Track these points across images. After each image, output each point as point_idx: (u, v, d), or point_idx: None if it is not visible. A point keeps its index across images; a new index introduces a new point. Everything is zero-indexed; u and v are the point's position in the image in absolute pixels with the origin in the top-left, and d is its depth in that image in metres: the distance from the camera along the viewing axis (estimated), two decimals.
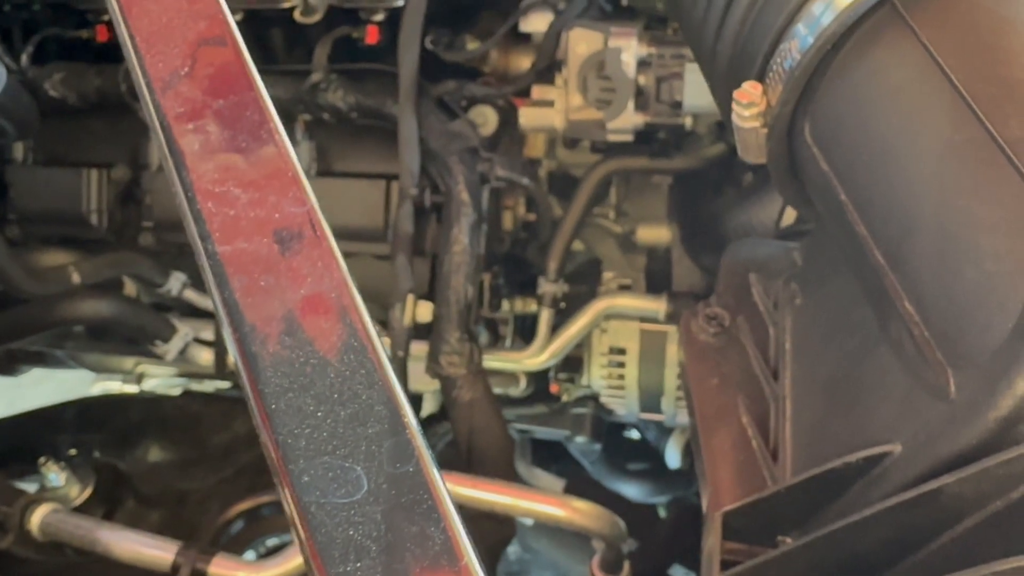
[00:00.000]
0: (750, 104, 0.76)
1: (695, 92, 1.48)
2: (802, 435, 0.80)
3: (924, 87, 0.65)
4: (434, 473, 0.45)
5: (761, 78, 0.78)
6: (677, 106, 1.54)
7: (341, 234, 1.75)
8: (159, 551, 1.26)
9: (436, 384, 1.65)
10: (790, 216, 1.55)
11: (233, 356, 0.47)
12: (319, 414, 0.45)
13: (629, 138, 1.59)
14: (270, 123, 0.59)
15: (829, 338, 0.81)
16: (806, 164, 0.76)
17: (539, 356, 1.74)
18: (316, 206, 0.53)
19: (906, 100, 0.67)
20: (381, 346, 0.48)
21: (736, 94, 0.77)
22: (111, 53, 1.80)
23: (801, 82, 0.74)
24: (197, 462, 1.91)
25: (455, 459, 1.66)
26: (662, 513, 2.09)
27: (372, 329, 0.48)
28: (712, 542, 0.74)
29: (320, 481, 0.43)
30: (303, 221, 0.53)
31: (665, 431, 2.01)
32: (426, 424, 1.85)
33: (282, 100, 1.69)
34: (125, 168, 1.80)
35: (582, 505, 1.33)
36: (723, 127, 1.73)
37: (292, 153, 0.58)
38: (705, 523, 0.87)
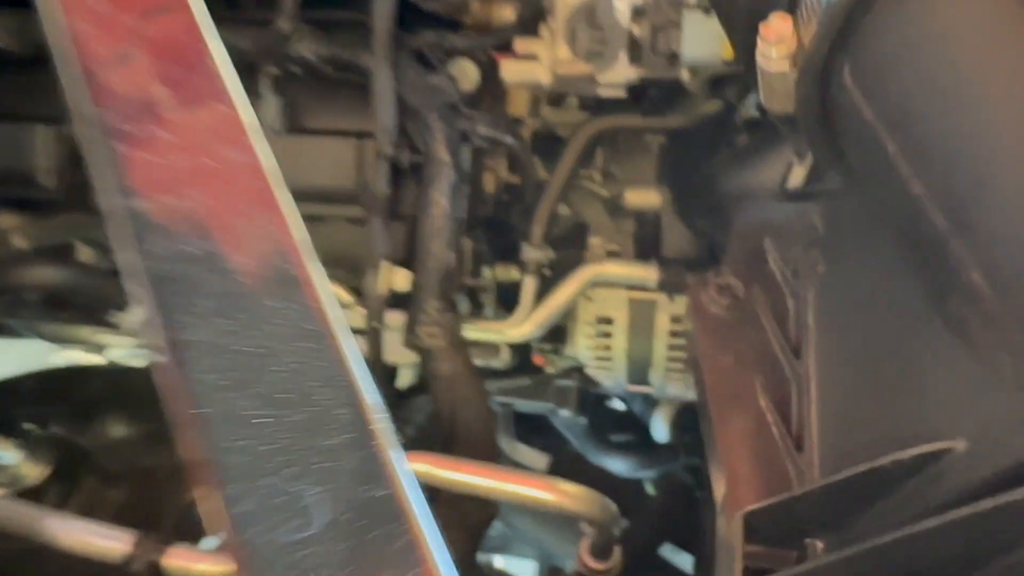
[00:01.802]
0: (779, 42, 0.66)
1: (694, 42, 1.37)
2: (831, 422, 0.70)
3: (1004, 14, 0.55)
4: (414, 497, 0.34)
5: (791, 12, 0.67)
6: (674, 58, 1.43)
7: (311, 196, 1.68)
8: (112, 541, 1.16)
9: (414, 356, 1.56)
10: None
11: (152, 341, 0.36)
12: (262, 420, 0.34)
13: (621, 93, 1.50)
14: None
15: (862, 312, 0.71)
16: (843, 112, 0.65)
17: (522, 326, 1.67)
18: (264, 152, 0.42)
19: (980, 31, 0.56)
20: (346, 329, 0.37)
21: (763, 29, 0.66)
22: None
23: (840, 17, 0.63)
24: (163, 437, 1.79)
25: (434, 434, 1.58)
26: (649, 489, 2.03)
27: (333, 307, 0.38)
28: (734, 544, 0.65)
29: (262, 511, 0.32)
30: (250, 173, 0.42)
31: (651, 403, 1.96)
32: (404, 397, 1.76)
33: (247, 52, 1.57)
34: None
35: (571, 488, 1.23)
36: (719, 83, 1.63)
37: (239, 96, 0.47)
38: (717, 512, 0.77)
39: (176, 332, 0.36)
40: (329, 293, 0.39)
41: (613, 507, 1.28)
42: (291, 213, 0.41)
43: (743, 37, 0.73)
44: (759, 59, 0.68)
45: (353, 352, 0.37)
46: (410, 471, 0.35)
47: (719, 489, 0.78)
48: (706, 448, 0.80)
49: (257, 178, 0.42)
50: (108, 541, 1.16)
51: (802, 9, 0.67)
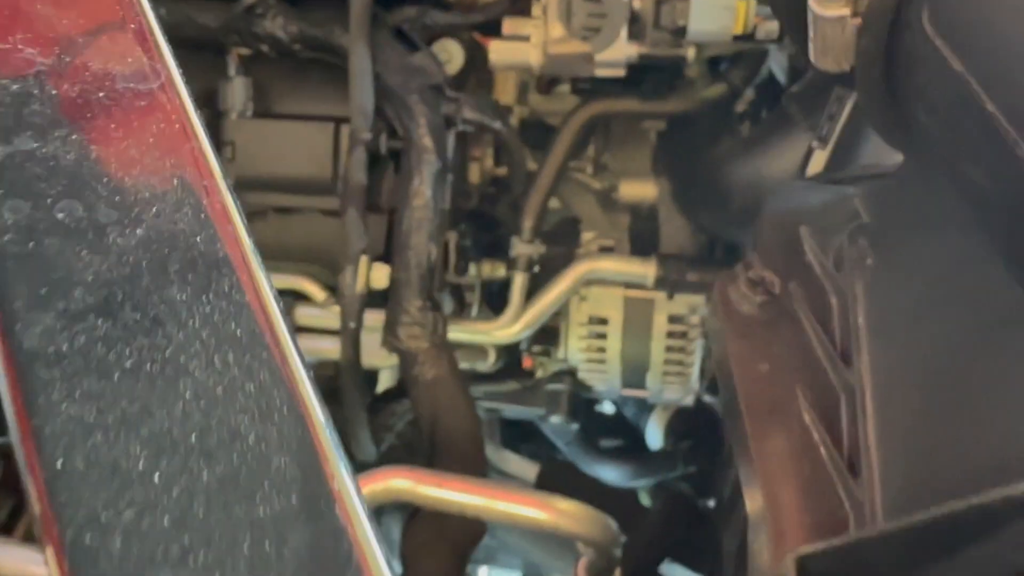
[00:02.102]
0: None
1: (704, 14, 1.25)
2: (895, 443, 0.59)
3: None
4: None
5: None
6: (679, 34, 1.31)
7: (283, 186, 1.55)
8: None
9: (394, 359, 1.45)
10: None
11: None
12: (157, 477, 0.22)
13: (621, 73, 1.40)
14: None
15: (932, 311, 0.60)
16: (920, 66, 0.54)
17: (511, 327, 1.59)
18: (180, 88, 0.30)
19: None
20: (290, 336, 0.25)
21: None
22: None
23: None
24: None
25: (416, 442, 1.47)
26: (644, 498, 1.92)
27: (273, 302, 0.25)
28: None
29: None
30: (160, 113, 0.30)
31: (646, 407, 1.88)
32: (383, 401, 1.65)
33: (212, 29, 1.45)
34: None
35: (568, 506, 1.12)
36: (718, 65, 1.53)
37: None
38: (749, 538, 0.66)
39: (25, 339, 0.23)
40: (267, 282, 0.26)
41: (614, 527, 1.18)
42: (216, 175, 0.29)
43: None
44: (812, 5, 0.56)
45: (302, 370, 0.24)
46: (386, 556, 0.23)
47: (753, 508, 0.67)
48: (739, 467, 0.68)
49: (172, 120, 0.29)
50: (39, 568, 1.03)
51: None
